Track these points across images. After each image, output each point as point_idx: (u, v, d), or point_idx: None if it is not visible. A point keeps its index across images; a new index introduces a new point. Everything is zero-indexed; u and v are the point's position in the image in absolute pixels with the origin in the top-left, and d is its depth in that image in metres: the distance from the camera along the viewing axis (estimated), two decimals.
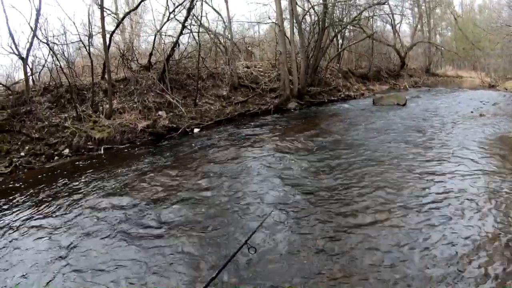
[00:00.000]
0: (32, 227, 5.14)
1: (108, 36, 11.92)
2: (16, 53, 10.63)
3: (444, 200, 4.98)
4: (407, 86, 22.91)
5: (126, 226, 4.92)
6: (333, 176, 6.30)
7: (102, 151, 9.44)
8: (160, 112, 11.71)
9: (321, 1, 17.36)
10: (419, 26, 32.00)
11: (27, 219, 5.40)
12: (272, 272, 3.69)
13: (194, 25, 14.04)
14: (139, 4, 14.26)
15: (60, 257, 4.28)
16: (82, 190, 6.46)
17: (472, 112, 11.96)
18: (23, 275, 3.95)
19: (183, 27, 13.37)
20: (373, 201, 5.09)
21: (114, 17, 14.80)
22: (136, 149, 9.69)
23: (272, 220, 4.64)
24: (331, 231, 4.39)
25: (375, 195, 5.27)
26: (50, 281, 3.83)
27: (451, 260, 3.66)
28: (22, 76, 11.28)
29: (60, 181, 7.13)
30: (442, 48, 31.39)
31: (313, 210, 4.99)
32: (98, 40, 13.83)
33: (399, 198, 5.10)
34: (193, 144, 9.66)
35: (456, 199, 4.97)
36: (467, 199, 4.95)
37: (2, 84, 10.96)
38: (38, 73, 11.95)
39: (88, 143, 9.70)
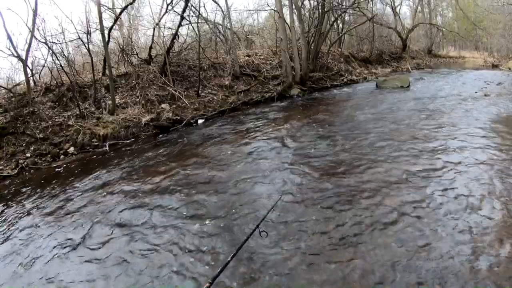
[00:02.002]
0: (44, 226, 5.14)
1: (106, 32, 11.83)
2: (15, 55, 10.55)
3: (451, 182, 4.89)
4: (409, 68, 22.68)
5: (139, 218, 4.90)
6: (341, 160, 6.23)
7: (107, 147, 9.38)
8: (163, 105, 11.63)
9: None
10: (419, 7, 31.61)
11: (37, 220, 5.38)
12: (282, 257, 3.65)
13: (192, 16, 13.89)
14: None
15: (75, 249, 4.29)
16: (90, 187, 6.42)
17: (476, 92, 11.84)
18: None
19: (182, 18, 13.23)
20: (381, 185, 5.00)
21: (112, 13, 14.66)
22: (141, 143, 9.62)
23: (282, 204, 4.60)
24: (338, 214, 4.35)
25: (382, 179, 5.18)
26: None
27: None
28: (22, 78, 11.24)
29: (66, 179, 7.08)
30: (444, 29, 30.92)
31: (320, 193, 4.94)
32: (96, 37, 13.76)
33: (409, 185, 4.95)
34: (198, 135, 9.60)
35: (464, 180, 4.89)
36: (474, 180, 4.87)
37: (3, 87, 10.91)
38: (38, 74, 11.88)
39: (93, 140, 9.65)
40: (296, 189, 5.12)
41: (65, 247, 4.37)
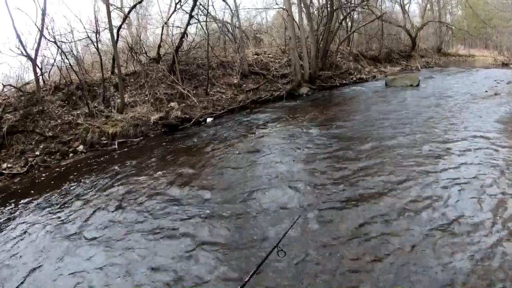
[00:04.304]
0: (52, 224, 5.11)
1: (115, 31, 11.82)
2: (25, 54, 10.56)
3: (458, 183, 4.83)
4: (419, 67, 22.53)
5: (146, 222, 4.82)
6: (355, 162, 6.12)
7: (116, 145, 9.36)
8: (172, 104, 11.58)
9: None
10: (428, 5, 31.26)
11: (46, 217, 5.36)
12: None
13: (201, 15, 13.86)
14: None
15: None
16: (99, 185, 6.39)
17: (486, 91, 11.75)
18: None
19: (190, 17, 13.18)
20: (400, 192, 4.86)
21: (120, 12, 14.66)
22: (150, 141, 9.63)
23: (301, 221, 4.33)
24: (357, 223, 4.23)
25: (398, 185, 5.03)
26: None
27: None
28: (32, 77, 11.25)
29: (76, 177, 7.06)
30: (453, 27, 30.54)
31: (335, 198, 4.85)
32: (105, 36, 13.75)
33: (422, 189, 4.86)
34: (207, 134, 9.57)
35: (471, 179, 4.85)
36: (482, 179, 4.83)
37: (13, 86, 10.93)
38: (47, 73, 11.89)
39: (102, 138, 9.65)
40: (311, 199, 4.89)
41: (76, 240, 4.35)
